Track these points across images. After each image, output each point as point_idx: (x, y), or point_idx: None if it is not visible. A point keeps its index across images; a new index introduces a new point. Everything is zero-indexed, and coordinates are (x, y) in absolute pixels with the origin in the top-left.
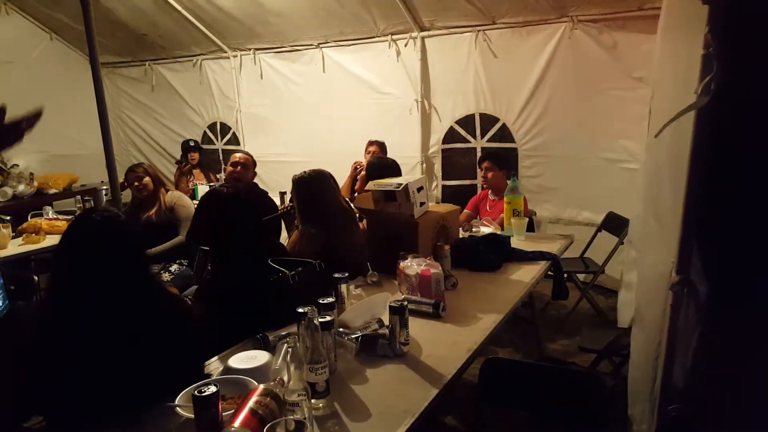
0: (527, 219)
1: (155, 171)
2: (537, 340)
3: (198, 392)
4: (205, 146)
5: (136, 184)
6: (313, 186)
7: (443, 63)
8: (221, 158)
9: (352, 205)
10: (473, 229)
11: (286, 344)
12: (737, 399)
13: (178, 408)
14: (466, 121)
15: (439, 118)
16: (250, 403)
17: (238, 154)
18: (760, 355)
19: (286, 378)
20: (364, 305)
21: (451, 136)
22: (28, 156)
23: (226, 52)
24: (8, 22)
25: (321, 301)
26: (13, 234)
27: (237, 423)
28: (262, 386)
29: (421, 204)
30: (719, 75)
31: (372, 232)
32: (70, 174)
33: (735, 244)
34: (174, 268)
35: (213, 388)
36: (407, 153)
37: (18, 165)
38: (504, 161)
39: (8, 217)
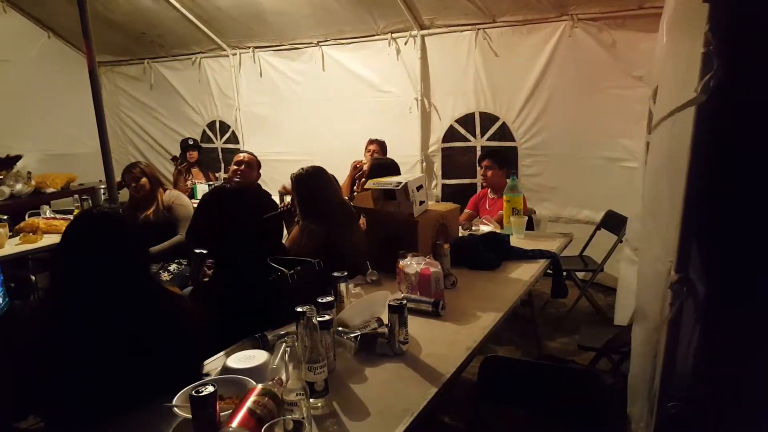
0: (526, 217)
1: (152, 170)
2: (536, 339)
3: (195, 392)
4: (204, 145)
5: (133, 184)
6: (311, 182)
7: (443, 61)
8: (221, 157)
9: (351, 204)
10: (473, 228)
11: (284, 343)
12: (737, 399)
13: (175, 408)
14: (466, 120)
15: (438, 117)
16: (248, 403)
17: (242, 154)
18: (760, 355)
19: (284, 377)
20: (363, 303)
21: (450, 134)
22: (26, 155)
23: (225, 50)
24: (6, 20)
25: (320, 300)
26: (11, 233)
27: (235, 423)
28: (260, 386)
29: (421, 203)
30: (719, 73)
31: (371, 231)
32: (68, 173)
33: (736, 244)
34: (173, 267)
35: (210, 388)
36: (407, 152)
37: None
38: (504, 160)
39: (5, 217)
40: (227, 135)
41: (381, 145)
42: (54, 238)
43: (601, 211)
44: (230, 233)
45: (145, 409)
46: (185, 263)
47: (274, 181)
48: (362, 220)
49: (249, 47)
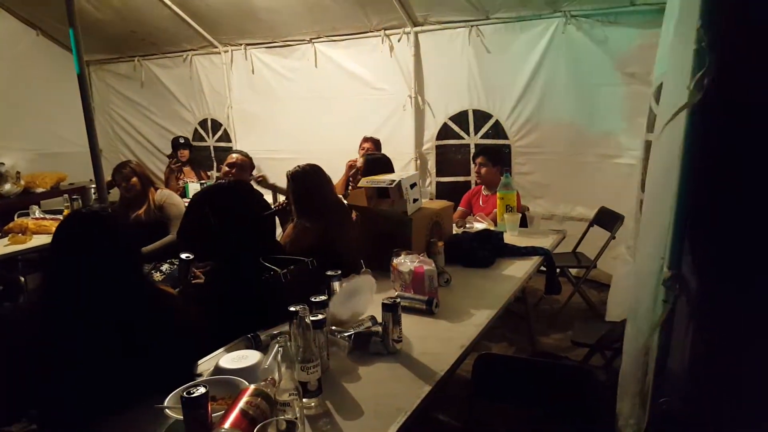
0: (520, 215)
1: (143, 169)
2: (530, 335)
3: (187, 393)
4: (195, 143)
5: (123, 184)
6: (308, 180)
7: (437, 58)
8: (213, 155)
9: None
10: (467, 225)
11: (277, 343)
12: (734, 398)
13: (167, 410)
14: (460, 118)
15: (432, 114)
16: (241, 404)
17: (234, 155)
18: (756, 353)
19: (277, 377)
20: (345, 292)
21: (444, 132)
22: (15, 154)
23: (216, 47)
24: None
25: (313, 300)
26: None
27: (227, 424)
28: (252, 386)
29: (415, 200)
30: (712, 70)
31: (365, 229)
32: (57, 172)
33: (731, 241)
34: (165, 267)
35: (202, 389)
36: (401, 149)
37: (4, 164)
38: (498, 157)
39: None
40: (219, 133)
41: (375, 143)
42: (44, 239)
43: (594, 208)
44: (227, 229)
45: (137, 410)
46: (177, 263)
47: None
48: (353, 215)
49: (241, 44)
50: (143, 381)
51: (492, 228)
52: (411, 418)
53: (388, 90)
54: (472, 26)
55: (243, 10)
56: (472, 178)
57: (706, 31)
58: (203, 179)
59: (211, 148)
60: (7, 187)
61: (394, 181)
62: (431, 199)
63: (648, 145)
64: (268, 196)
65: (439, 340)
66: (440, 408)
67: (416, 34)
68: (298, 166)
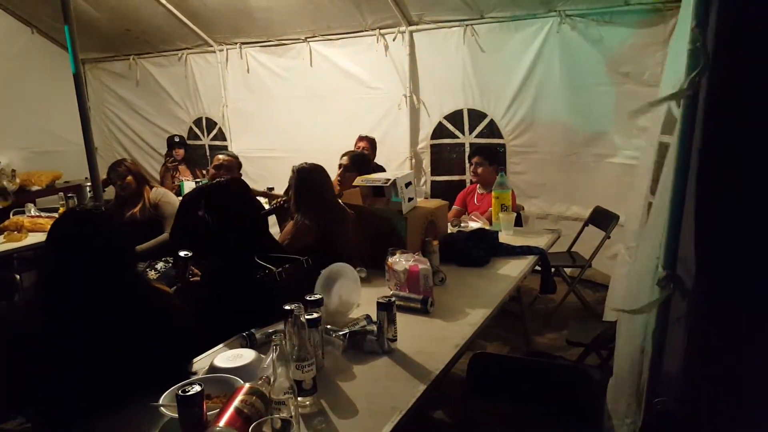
0: (515, 214)
1: (138, 168)
2: (525, 334)
3: (182, 392)
4: (191, 142)
5: (118, 182)
6: (311, 177)
7: (432, 57)
8: (208, 154)
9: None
10: (461, 224)
11: (272, 342)
12: (731, 398)
13: (162, 408)
14: (455, 117)
15: (427, 113)
16: (236, 402)
17: (221, 156)
18: (753, 354)
19: (272, 376)
20: (324, 277)
21: (439, 131)
22: (11, 152)
23: (211, 46)
24: None
25: (308, 298)
26: None
27: (222, 422)
28: (247, 385)
29: (410, 199)
30: (705, 70)
31: (360, 228)
32: (53, 171)
33: (728, 241)
34: (160, 266)
35: (197, 388)
36: (396, 148)
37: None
38: (494, 156)
39: None
40: (214, 132)
41: (371, 143)
42: (39, 237)
43: (589, 208)
44: (226, 228)
45: (132, 409)
46: (172, 261)
47: (262, 178)
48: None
49: (236, 43)
50: (138, 379)
51: (487, 227)
52: (406, 416)
53: (383, 89)
54: (466, 25)
55: (238, 8)
56: (467, 177)
57: (700, 31)
58: (198, 178)
59: (207, 146)
60: (3, 184)
61: (389, 179)
62: (426, 198)
63: (662, 147)
64: (263, 198)
65: (434, 339)
66: (435, 407)
67: (411, 33)
68: (305, 162)
